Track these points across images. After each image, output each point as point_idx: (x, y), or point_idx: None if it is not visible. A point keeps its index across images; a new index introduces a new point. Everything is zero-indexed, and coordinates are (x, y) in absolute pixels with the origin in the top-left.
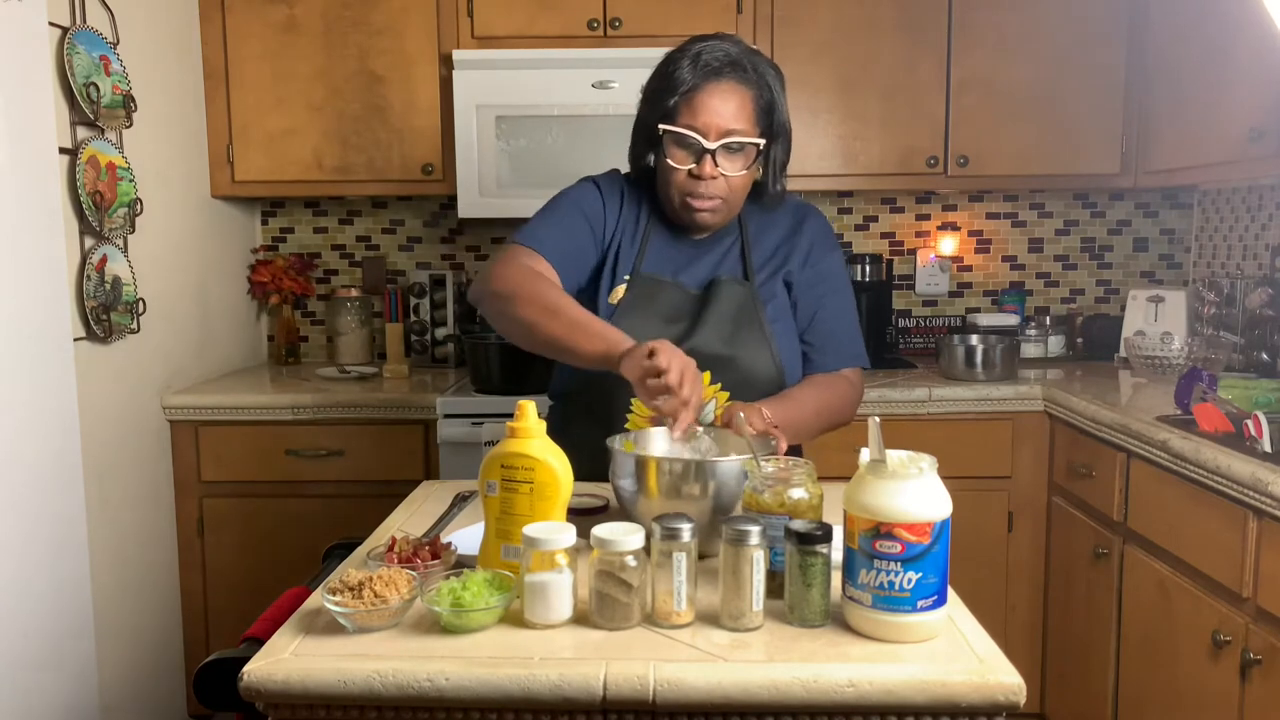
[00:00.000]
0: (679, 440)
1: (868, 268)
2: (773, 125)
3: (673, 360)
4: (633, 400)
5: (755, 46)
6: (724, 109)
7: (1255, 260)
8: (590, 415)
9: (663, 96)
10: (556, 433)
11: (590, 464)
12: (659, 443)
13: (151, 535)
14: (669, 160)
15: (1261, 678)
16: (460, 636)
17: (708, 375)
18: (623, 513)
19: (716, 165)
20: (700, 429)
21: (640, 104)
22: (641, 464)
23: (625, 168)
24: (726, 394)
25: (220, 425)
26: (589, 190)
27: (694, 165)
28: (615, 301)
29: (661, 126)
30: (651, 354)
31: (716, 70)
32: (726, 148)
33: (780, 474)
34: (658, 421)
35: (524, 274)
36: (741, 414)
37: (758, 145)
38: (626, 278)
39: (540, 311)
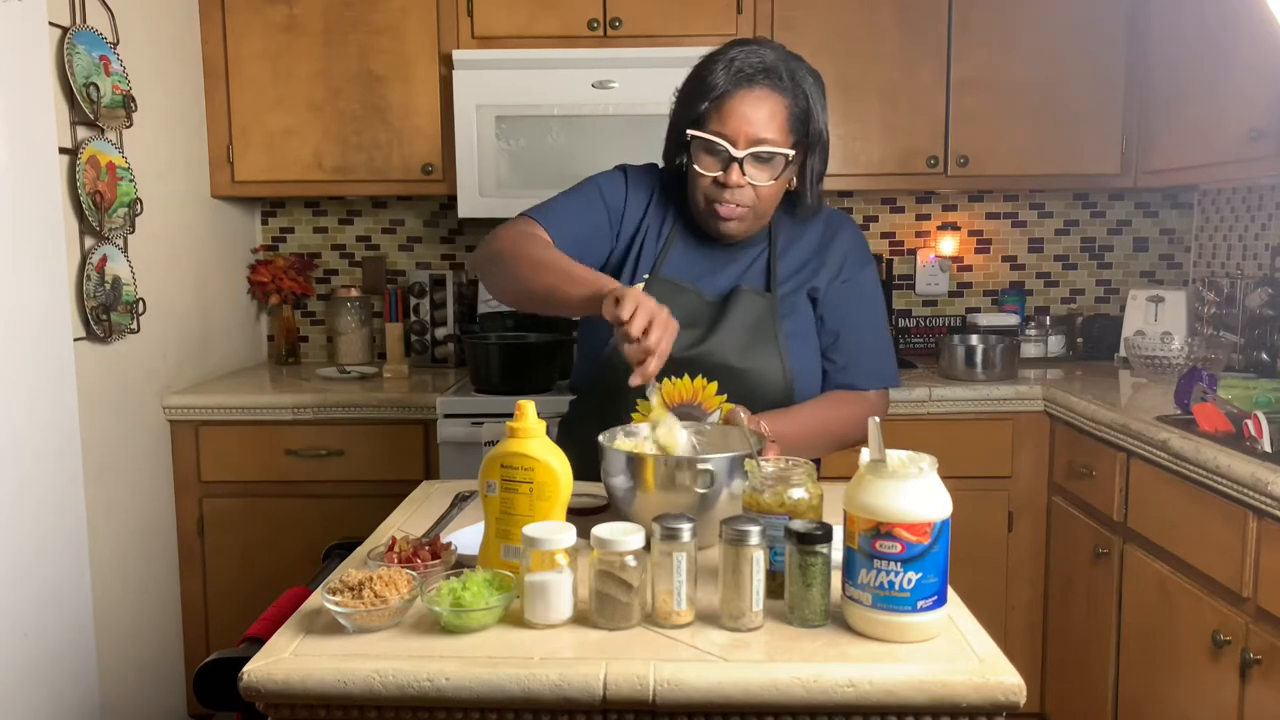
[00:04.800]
0: (635, 384)
1: None
2: (808, 135)
3: (639, 309)
4: (639, 401)
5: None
6: (755, 117)
7: (1255, 260)
8: (599, 413)
9: (694, 100)
10: (568, 428)
11: (597, 463)
12: (648, 438)
13: (151, 535)
14: (696, 166)
15: (1261, 678)
16: (460, 636)
17: (714, 386)
18: (617, 509)
19: (744, 174)
20: (685, 426)
21: (673, 105)
22: (633, 460)
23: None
24: (731, 405)
25: (220, 425)
26: (616, 180)
27: (721, 173)
28: None
29: (690, 131)
30: (618, 302)
31: (750, 77)
32: (755, 157)
33: (780, 474)
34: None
35: (517, 236)
36: (743, 414)
37: (787, 156)
38: (645, 277)
39: (530, 266)
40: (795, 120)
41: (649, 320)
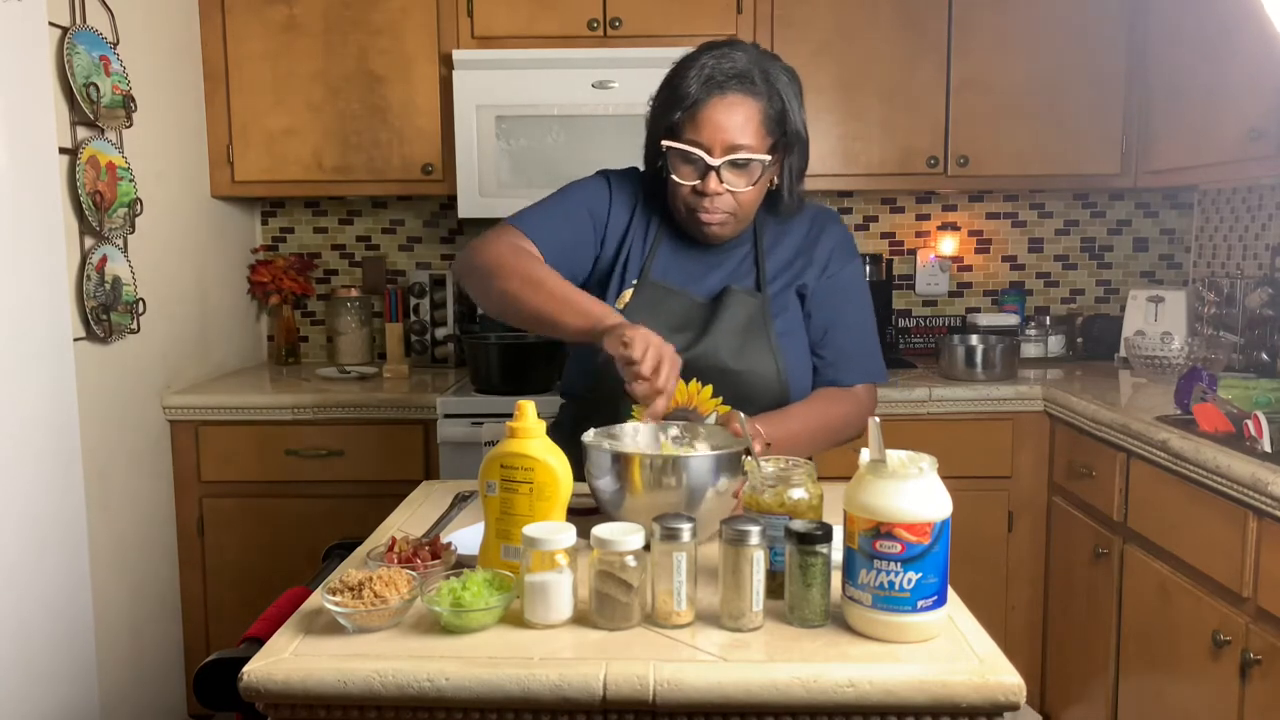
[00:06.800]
0: (650, 423)
1: (868, 268)
2: (785, 134)
3: (648, 349)
4: (635, 405)
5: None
6: (729, 123)
7: (1255, 260)
8: (597, 416)
9: (668, 109)
10: (564, 432)
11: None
12: (630, 438)
13: (151, 535)
14: (674, 176)
15: (1261, 678)
16: (460, 636)
17: (709, 389)
18: (602, 508)
19: (722, 181)
20: (672, 425)
21: (648, 113)
22: (619, 460)
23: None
24: (727, 407)
25: (220, 425)
26: (599, 186)
27: (699, 181)
28: (621, 306)
29: (665, 142)
30: (627, 343)
31: (721, 84)
32: (732, 164)
33: (780, 474)
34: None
35: (507, 249)
36: (742, 416)
37: (763, 161)
38: (634, 282)
39: (522, 284)
40: (771, 122)
41: (659, 360)
